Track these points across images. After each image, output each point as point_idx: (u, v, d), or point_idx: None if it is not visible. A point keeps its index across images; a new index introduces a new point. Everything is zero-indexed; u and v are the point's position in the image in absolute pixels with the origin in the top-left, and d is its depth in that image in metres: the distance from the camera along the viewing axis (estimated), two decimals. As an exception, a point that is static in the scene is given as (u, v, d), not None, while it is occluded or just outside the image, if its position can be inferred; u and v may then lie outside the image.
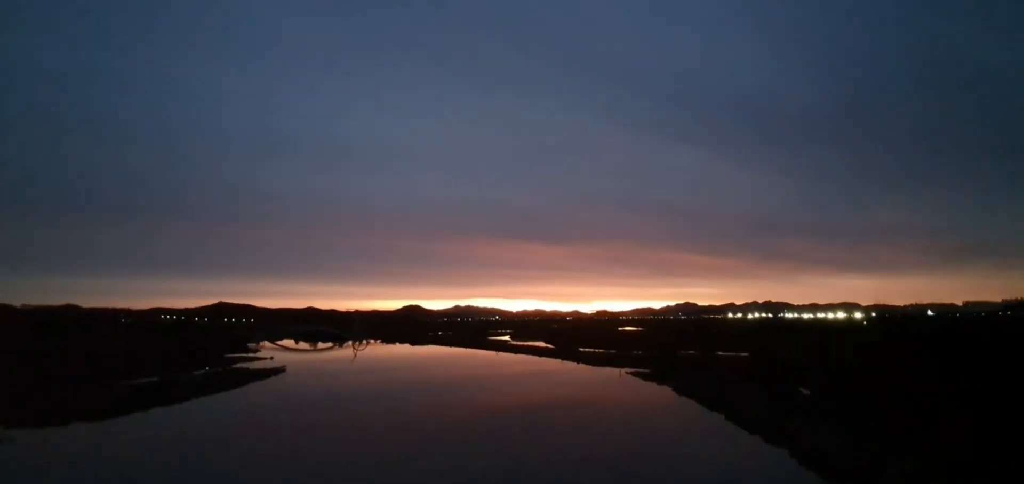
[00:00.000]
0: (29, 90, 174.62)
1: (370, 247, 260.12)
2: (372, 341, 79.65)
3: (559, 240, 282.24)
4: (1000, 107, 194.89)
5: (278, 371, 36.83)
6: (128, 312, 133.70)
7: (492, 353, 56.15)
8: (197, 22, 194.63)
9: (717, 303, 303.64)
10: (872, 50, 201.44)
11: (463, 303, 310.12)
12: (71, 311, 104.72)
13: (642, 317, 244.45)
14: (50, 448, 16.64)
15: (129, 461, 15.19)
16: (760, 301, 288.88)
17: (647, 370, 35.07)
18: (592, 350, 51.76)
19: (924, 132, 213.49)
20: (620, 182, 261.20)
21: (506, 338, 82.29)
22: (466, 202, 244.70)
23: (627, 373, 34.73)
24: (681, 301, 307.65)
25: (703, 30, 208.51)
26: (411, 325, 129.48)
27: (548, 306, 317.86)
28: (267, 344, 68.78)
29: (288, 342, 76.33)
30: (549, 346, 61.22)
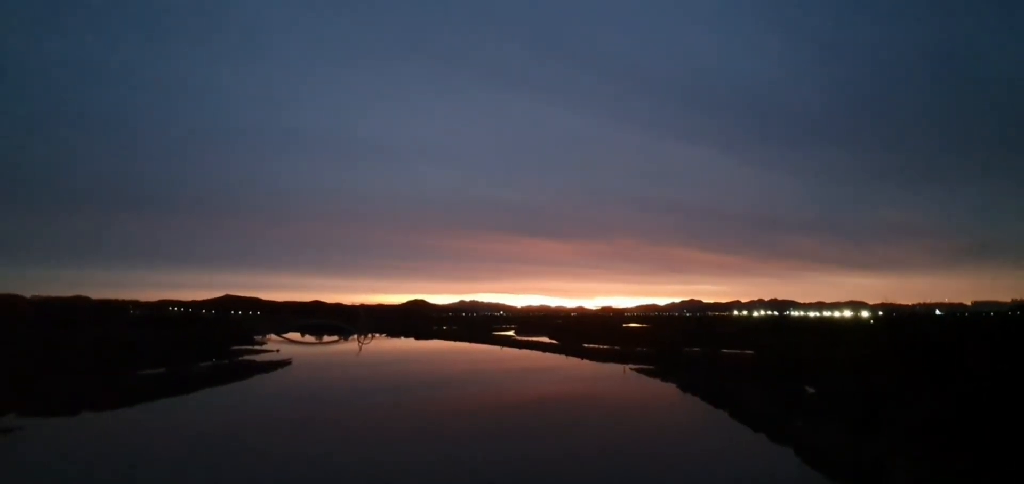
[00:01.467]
0: (36, 86, 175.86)
1: (376, 241, 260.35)
2: (377, 335, 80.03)
3: (564, 236, 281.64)
4: (1010, 105, 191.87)
5: (284, 364, 37.08)
6: (136, 304, 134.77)
7: (496, 348, 56.24)
8: (203, 18, 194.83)
9: (723, 301, 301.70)
10: (881, 48, 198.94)
11: (468, 298, 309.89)
12: (81, 302, 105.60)
13: (647, 314, 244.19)
14: (60, 437, 16.88)
15: (137, 450, 15.36)
16: (766, 299, 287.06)
17: (651, 367, 35.02)
18: (596, 346, 51.64)
19: (933, 130, 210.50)
20: (626, 179, 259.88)
21: (510, 333, 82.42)
22: (471, 197, 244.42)
23: (631, 370, 34.69)
24: (686, 298, 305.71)
25: (711, 28, 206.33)
26: (416, 319, 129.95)
27: (553, 302, 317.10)
28: (273, 337, 69.24)
29: (294, 335, 76.85)
30: (553, 342, 61.22)
